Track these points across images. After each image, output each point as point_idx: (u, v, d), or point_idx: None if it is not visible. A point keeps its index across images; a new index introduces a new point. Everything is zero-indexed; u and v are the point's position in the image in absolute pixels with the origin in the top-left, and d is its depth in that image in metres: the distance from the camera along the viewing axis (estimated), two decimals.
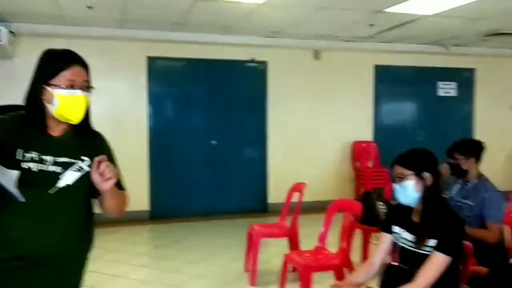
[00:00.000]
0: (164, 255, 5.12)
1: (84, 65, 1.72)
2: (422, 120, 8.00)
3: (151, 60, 6.64)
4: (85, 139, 1.78)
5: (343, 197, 7.12)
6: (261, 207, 7.19)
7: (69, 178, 1.68)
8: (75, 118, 1.68)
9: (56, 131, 1.73)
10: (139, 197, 6.35)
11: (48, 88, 1.65)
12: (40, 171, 1.64)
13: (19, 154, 1.63)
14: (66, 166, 1.69)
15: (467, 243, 2.28)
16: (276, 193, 7.17)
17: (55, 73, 1.65)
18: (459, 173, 3.47)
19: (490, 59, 7.98)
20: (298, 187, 4.44)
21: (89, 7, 5.08)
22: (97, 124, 1.86)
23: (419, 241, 2.17)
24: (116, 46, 6.33)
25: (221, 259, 4.92)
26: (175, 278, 4.34)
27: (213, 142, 6.95)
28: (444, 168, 3.60)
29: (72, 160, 1.71)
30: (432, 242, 2.15)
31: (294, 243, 4.26)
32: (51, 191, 1.65)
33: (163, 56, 6.68)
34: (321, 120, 7.36)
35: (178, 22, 5.80)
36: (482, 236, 3.20)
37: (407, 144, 8.53)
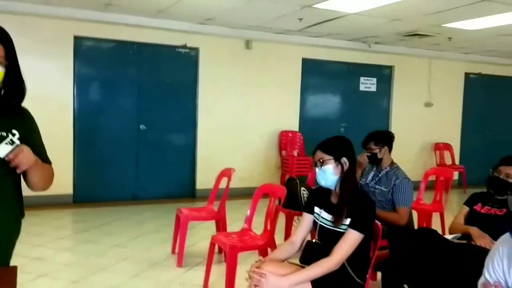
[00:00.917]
0: (87, 238, 5.06)
1: None
2: (345, 112, 8.44)
3: (79, 40, 6.44)
4: (13, 115, 1.79)
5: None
6: (189, 193, 7.27)
7: (1, 151, 1.69)
8: None
9: None
10: (62, 180, 6.18)
11: None
12: None
13: None
14: None
15: (377, 222, 2.53)
16: (204, 179, 7.28)
17: None
18: (375, 161, 3.79)
19: (406, 57, 8.57)
20: (226, 172, 4.58)
21: None
22: None
23: (337, 220, 2.39)
24: (41, 23, 6.08)
25: (147, 243, 4.96)
26: (100, 261, 4.32)
27: (143, 126, 6.90)
28: (363, 157, 3.92)
29: (3, 134, 1.71)
30: (347, 221, 2.38)
31: (221, 226, 4.41)
32: None
33: (92, 36, 6.51)
34: (251, 108, 7.54)
35: (109, 3, 5.68)
36: (392, 219, 3.53)
37: (331, 134, 8.99)
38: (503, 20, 5.84)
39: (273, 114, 7.73)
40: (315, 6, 5.49)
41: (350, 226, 2.35)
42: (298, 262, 2.51)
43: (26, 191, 1.87)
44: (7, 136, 1.70)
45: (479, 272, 1.76)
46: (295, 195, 4.61)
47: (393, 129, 8.31)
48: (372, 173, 3.91)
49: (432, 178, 5.43)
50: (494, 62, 9.08)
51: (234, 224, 4.85)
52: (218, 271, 3.95)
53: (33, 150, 1.73)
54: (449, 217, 5.36)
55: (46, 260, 4.27)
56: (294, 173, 7.21)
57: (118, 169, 6.81)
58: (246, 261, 3.67)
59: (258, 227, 3.97)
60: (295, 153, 7.74)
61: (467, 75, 9.29)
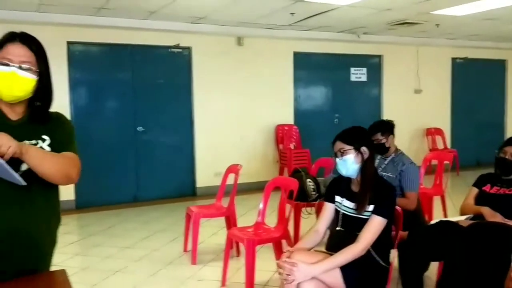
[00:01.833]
0: (96, 242, 5.08)
1: (30, 46, 1.72)
2: (338, 103, 8.55)
3: (72, 46, 6.43)
4: (44, 121, 1.79)
5: (268, 178, 7.53)
6: (190, 191, 7.32)
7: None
8: (5, 95, 1.67)
9: (13, 115, 1.75)
10: (63, 186, 6.16)
11: None
12: None
13: None
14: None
15: (397, 207, 2.63)
16: (204, 177, 7.34)
17: None
18: (383, 150, 3.90)
19: (394, 46, 8.71)
20: (233, 169, 4.64)
21: None
22: None
23: (360, 207, 2.48)
24: (33, 31, 6.00)
25: (157, 242, 5.00)
26: (114, 263, 4.37)
27: (140, 128, 6.92)
28: None
29: (33, 142, 1.73)
30: (370, 208, 2.47)
31: (231, 222, 4.47)
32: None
33: (84, 41, 6.50)
34: (246, 104, 7.60)
35: (102, 7, 5.68)
36: (402, 204, 3.62)
37: (325, 126, 9.14)
38: (487, 5, 6.03)
39: (268, 109, 7.81)
40: (307, 0, 5.56)
41: (374, 212, 2.44)
42: (323, 250, 2.60)
43: None
44: (37, 143, 1.74)
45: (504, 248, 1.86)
46: (301, 186, 4.69)
47: (385, 117, 8.42)
48: (377, 161, 4.00)
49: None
50: (479, 46, 9.27)
51: (239, 219, 4.91)
52: (233, 266, 4.02)
53: (57, 147, 1.75)
54: (448, 200, 5.54)
55: (62, 266, 4.26)
56: (292, 165, 7.29)
57: (118, 172, 6.83)
58: (259, 255, 3.75)
59: (267, 220, 4.04)
60: (291, 146, 7.83)
61: (453, 60, 9.47)
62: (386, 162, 3.93)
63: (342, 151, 2.55)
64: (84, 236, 5.49)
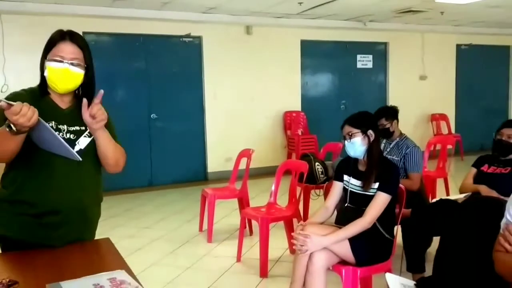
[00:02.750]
0: (116, 223, 5.35)
1: (78, 44, 1.94)
2: (344, 90, 8.76)
3: (87, 36, 6.64)
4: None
5: (276, 163, 7.78)
6: (202, 176, 7.59)
7: (82, 143, 1.94)
8: (60, 89, 1.90)
9: (62, 104, 1.99)
10: None
11: (45, 61, 1.90)
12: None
13: None
14: (78, 134, 1.95)
15: (401, 185, 2.88)
16: (215, 162, 7.61)
17: (49, 48, 1.91)
18: (388, 135, 4.12)
19: (400, 33, 8.87)
20: (246, 153, 4.89)
21: None
22: None
23: (366, 185, 2.73)
24: (50, 22, 6.27)
25: (174, 223, 5.29)
26: (134, 242, 4.65)
27: (154, 116, 7.18)
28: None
29: (83, 128, 1.96)
30: (375, 185, 2.72)
31: (244, 203, 4.73)
32: None
33: (100, 31, 6.73)
34: (255, 91, 7.83)
35: None
36: (406, 185, 3.84)
37: (332, 112, 9.36)
38: None
39: (276, 96, 8.03)
40: None
41: (379, 189, 2.69)
42: (333, 224, 2.86)
43: None
44: (86, 129, 1.99)
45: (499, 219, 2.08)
46: (310, 170, 4.94)
47: (391, 103, 8.58)
48: (382, 145, 4.23)
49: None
50: (483, 32, 9.40)
51: (250, 201, 5.13)
52: (246, 244, 4.29)
53: None
54: (452, 183, 5.77)
55: None
56: (300, 151, 7.53)
57: (133, 158, 6.94)
58: (271, 234, 4.01)
59: (278, 201, 4.29)
60: (299, 132, 8.06)
61: (458, 46, 9.62)
62: (391, 146, 4.16)
63: (350, 134, 2.79)
64: (105, 218, 5.74)
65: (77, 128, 1.96)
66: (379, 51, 9.01)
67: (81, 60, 1.95)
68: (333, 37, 8.41)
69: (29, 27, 6.11)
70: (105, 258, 1.89)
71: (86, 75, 1.98)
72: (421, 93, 9.25)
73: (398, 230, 2.96)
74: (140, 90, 7.11)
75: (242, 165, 4.96)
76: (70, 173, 1.92)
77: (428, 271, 3.25)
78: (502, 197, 3.08)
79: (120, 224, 5.33)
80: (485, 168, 3.43)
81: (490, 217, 2.32)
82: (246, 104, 7.80)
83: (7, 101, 1.60)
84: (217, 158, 7.59)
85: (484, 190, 3.19)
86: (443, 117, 9.35)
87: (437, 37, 9.22)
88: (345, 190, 2.90)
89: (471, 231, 2.39)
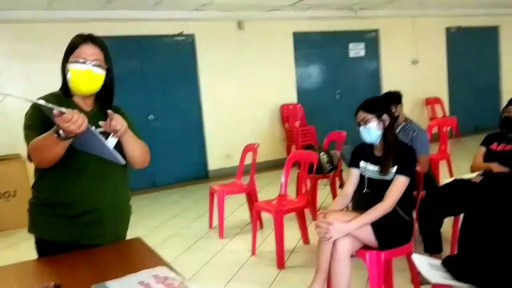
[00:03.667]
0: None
1: (100, 46, 1.98)
2: (338, 79, 8.78)
3: None
4: (111, 109, 2.05)
5: (276, 157, 7.82)
6: (203, 174, 7.59)
7: (111, 143, 1.95)
8: (84, 90, 1.93)
9: (85, 106, 2.01)
10: None
11: (67, 64, 1.92)
12: None
13: None
14: (106, 134, 1.95)
15: (418, 169, 2.91)
16: (215, 160, 7.61)
17: (71, 51, 1.93)
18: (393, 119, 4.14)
19: (390, 19, 8.91)
20: (251, 147, 4.89)
21: None
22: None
23: (384, 169, 2.75)
24: (43, 28, 6.22)
25: (183, 221, 5.30)
26: (148, 240, 4.55)
27: (151, 117, 7.16)
28: None
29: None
30: (393, 169, 2.74)
31: (253, 197, 4.75)
32: None
33: (92, 34, 6.66)
34: (251, 86, 7.83)
35: (109, 1, 5.86)
36: None
37: (327, 102, 9.38)
38: None
39: (272, 89, 8.03)
40: None
41: (398, 172, 2.72)
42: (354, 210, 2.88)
43: None
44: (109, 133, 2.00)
45: None
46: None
47: (385, 89, 8.59)
48: None
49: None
50: (471, 14, 9.47)
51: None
52: (258, 237, 4.29)
53: None
54: (452, 164, 5.83)
55: None
56: (299, 143, 7.57)
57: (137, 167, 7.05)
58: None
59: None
60: (297, 124, 8.08)
61: (448, 29, 9.69)
62: (397, 131, 4.18)
63: (365, 120, 2.80)
64: None
65: (103, 129, 1.97)
66: (371, 39, 9.05)
67: (102, 62, 1.97)
68: (325, 28, 8.42)
69: (21, 34, 6.05)
70: (142, 256, 1.90)
71: (106, 76, 2.00)
72: (414, 78, 9.30)
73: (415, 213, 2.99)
74: (137, 92, 7.06)
75: (246, 160, 4.99)
76: (103, 172, 1.97)
77: (445, 251, 3.31)
78: None
79: (131, 225, 5.29)
80: (494, 146, 3.48)
81: (508, 193, 2.36)
82: (243, 100, 7.80)
83: (59, 108, 1.61)
84: (217, 155, 7.59)
85: (496, 167, 3.24)
86: (437, 100, 9.43)
87: (427, 21, 9.28)
88: (361, 176, 2.92)
89: (492, 207, 2.43)
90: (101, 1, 5.84)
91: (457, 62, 9.79)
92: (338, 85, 8.78)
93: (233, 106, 7.72)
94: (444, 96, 9.65)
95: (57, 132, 1.67)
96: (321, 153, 5.04)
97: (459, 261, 2.32)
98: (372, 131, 2.79)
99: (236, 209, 5.51)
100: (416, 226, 3.00)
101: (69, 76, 1.91)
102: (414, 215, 2.89)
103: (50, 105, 1.60)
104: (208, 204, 4.99)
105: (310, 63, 8.56)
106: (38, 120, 1.85)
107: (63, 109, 1.61)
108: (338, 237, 2.60)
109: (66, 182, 1.92)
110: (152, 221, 5.37)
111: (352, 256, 2.70)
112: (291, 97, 8.24)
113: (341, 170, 5.12)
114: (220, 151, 7.61)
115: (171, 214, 5.65)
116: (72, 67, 1.90)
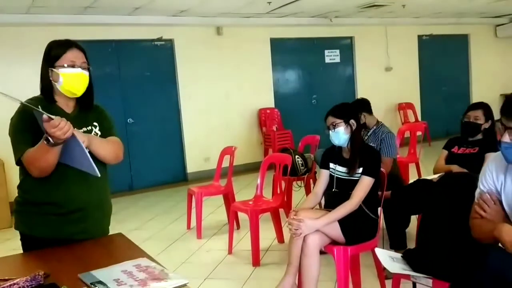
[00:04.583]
0: None
1: (81, 50, 2.12)
2: (314, 85, 9.02)
3: None
4: (90, 110, 2.20)
5: (253, 160, 7.98)
6: (182, 177, 7.71)
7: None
8: (78, 91, 2.07)
9: (68, 107, 2.13)
10: None
11: (54, 70, 2.03)
12: None
13: None
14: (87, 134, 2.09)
15: (382, 170, 3.11)
16: (193, 163, 7.74)
17: (58, 56, 2.05)
18: (362, 127, 4.35)
19: (365, 27, 9.20)
20: (228, 151, 5.05)
21: None
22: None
23: (351, 171, 2.95)
24: (22, 32, 6.27)
25: (161, 223, 5.41)
26: None
27: (130, 120, 7.26)
28: None
29: (89, 128, 2.13)
30: (360, 170, 2.94)
31: (230, 199, 4.90)
32: None
33: (72, 39, 6.72)
34: (229, 91, 7.99)
35: (89, 6, 5.95)
36: None
37: (304, 107, 9.61)
38: None
39: (249, 94, 8.21)
40: None
41: (363, 173, 2.92)
42: (323, 208, 3.07)
43: None
44: (92, 130, 2.14)
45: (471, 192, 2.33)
46: (292, 163, 5.15)
47: (359, 95, 8.95)
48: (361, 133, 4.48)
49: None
50: (442, 23, 9.85)
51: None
52: (234, 237, 4.44)
53: (104, 132, 2.15)
54: (422, 167, 6.09)
55: None
56: (276, 146, 7.75)
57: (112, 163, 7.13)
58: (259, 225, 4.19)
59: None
60: (274, 128, 8.28)
61: (420, 37, 10.05)
62: (369, 134, 4.41)
63: (334, 124, 3.00)
64: None
65: (85, 129, 2.12)
66: (346, 46, 9.32)
67: (85, 64, 2.11)
68: (301, 34, 8.66)
69: (4, 38, 6.12)
70: (125, 249, 2.03)
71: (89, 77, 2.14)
72: (388, 84, 9.61)
73: (380, 211, 3.20)
74: (115, 96, 7.14)
75: (224, 163, 5.14)
76: (88, 173, 2.06)
77: (409, 247, 3.52)
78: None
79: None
80: (455, 149, 3.71)
81: (463, 190, 2.58)
82: (221, 104, 7.95)
83: (48, 115, 1.73)
84: (196, 158, 7.73)
85: (456, 169, 3.47)
86: (410, 105, 9.75)
87: (399, 29, 9.61)
88: (331, 176, 3.11)
89: (447, 204, 2.64)
90: (81, 6, 5.93)
91: (429, 69, 10.15)
92: (314, 90, 9.02)
93: (211, 110, 7.87)
94: (416, 101, 9.98)
95: (46, 139, 1.79)
96: (296, 156, 5.23)
97: (417, 254, 2.52)
98: (340, 134, 2.99)
99: (214, 210, 5.65)
100: (381, 224, 3.21)
101: (61, 80, 2.02)
102: (379, 212, 3.09)
103: (40, 110, 1.73)
104: (186, 206, 5.12)
105: (287, 68, 8.78)
106: (27, 125, 1.95)
107: (52, 116, 1.73)
108: (308, 233, 2.78)
109: (53, 182, 2.02)
110: (130, 224, 5.46)
111: (323, 253, 2.89)
112: (269, 102, 8.43)
113: (315, 172, 5.32)
114: (199, 154, 7.74)
115: (149, 216, 5.75)
116: (63, 71, 2.02)
